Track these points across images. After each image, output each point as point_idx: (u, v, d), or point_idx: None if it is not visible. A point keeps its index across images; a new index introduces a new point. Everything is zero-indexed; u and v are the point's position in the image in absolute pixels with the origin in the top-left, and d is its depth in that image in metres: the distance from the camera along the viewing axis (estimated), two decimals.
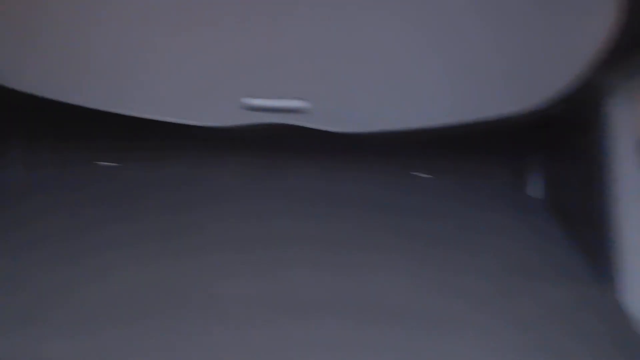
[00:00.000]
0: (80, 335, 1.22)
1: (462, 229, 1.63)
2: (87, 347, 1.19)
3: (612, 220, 1.48)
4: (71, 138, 1.86)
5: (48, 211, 1.65)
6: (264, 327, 1.26)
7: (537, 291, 1.40)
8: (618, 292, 1.43)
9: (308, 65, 1.51)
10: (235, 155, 1.87)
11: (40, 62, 1.55)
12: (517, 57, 1.52)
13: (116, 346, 1.19)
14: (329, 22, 1.48)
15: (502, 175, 1.90)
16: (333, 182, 1.84)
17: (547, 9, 1.45)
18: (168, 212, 1.67)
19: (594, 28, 1.42)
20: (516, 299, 1.37)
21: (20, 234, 1.54)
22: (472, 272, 1.45)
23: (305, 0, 1.46)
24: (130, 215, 1.63)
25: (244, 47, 1.51)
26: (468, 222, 1.67)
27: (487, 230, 1.63)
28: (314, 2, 1.46)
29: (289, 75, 1.51)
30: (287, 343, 1.22)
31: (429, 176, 1.89)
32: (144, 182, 1.82)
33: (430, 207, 1.74)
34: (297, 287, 1.38)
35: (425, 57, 1.54)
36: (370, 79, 1.53)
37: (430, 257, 1.50)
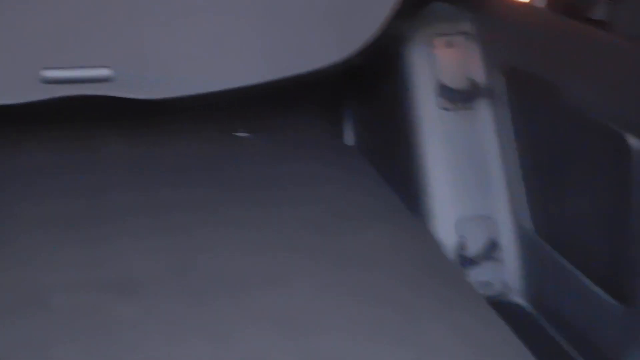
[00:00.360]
0: None
1: (282, 181, 1.67)
2: None
3: (419, 159, 1.58)
4: None
5: None
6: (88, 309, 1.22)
7: (355, 231, 1.47)
8: (428, 222, 1.54)
9: (110, 31, 1.46)
10: (44, 130, 1.77)
11: None
12: (322, 12, 1.56)
13: None
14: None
15: (318, 127, 1.96)
16: (151, 150, 1.80)
17: None
18: None
19: None
20: (336, 241, 1.43)
21: None
22: (293, 220, 1.50)
23: None
24: None
25: (40, 14, 1.42)
26: (287, 174, 1.71)
27: (305, 181, 1.69)
28: None
29: (89, 43, 1.45)
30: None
31: (249, 135, 1.90)
32: None
33: (251, 164, 1.77)
34: (123, 260, 1.35)
35: (232, 16, 1.53)
36: (177, 41, 1.52)
37: (252, 211, 1.53)
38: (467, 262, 1.53)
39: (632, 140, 1.15)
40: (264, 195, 1.61)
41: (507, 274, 1.51)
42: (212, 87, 1.55)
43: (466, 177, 1.58)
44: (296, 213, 1.55)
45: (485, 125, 1.58)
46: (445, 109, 1.62)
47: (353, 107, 1.95)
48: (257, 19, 1.58)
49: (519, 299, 1.51)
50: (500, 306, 1.41)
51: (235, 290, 1.27)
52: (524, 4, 1.57)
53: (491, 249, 1.53)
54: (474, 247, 1.54)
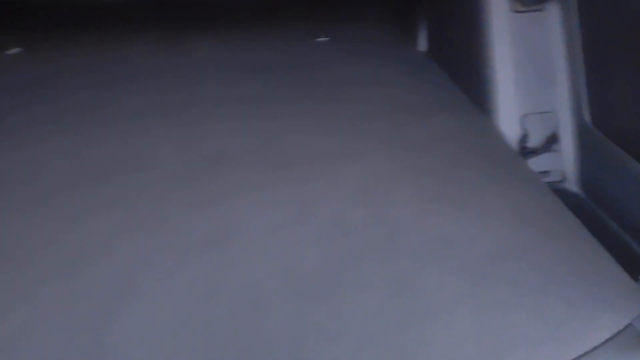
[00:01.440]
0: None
1: (356, 81, 1.81)
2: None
3: (488, 59, 1.69)
4: None
5: None
6: (193, 173, 1.41)
7: (424, 122, 1.61)
8: (494, 119, 1.66)
9: None
10: (141, 33, 1.96)
11: None
12: None
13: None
14: None
15: (393, 34, 2.08)
16: (239, 52, 1.97)
17: None
18: (85, 92, 1.74)
19: None
20: (403, 129, 1.57)
21: None
22: (364, 112, 1.65)
23: None
24: (45, 98, 1.69)
25: None
26: (362, 75, 1.85)
27: (377, 81, 1.83)
28: None
29: None
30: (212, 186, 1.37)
31: (328, 39, 2.05)
32: (56, 66, 1.86)
33: (328, 65, 1.91)
34: (218, 137, 1.54)
35: None
36: None
37: (329, 105, 1.69)
38: (528, 152, 1.65)
39: None
40: (339, 92, 1.76)
41: (565, 164, 1.62)
42: None
43: (531, 75, 1.69)
44: (367, 107, 1.70)
45: (553, 26, 1.67)
46: (516, 11, 1.71)
47: (426, 15, 2.05)
48: None
49: (575, 187, 1.62)
50: (557, 193, 1.53)
51: (314, 162, 1.44)
52: None
53: (551, 141, 1.64)
54: (535, 139, 1.66)
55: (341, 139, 1.55)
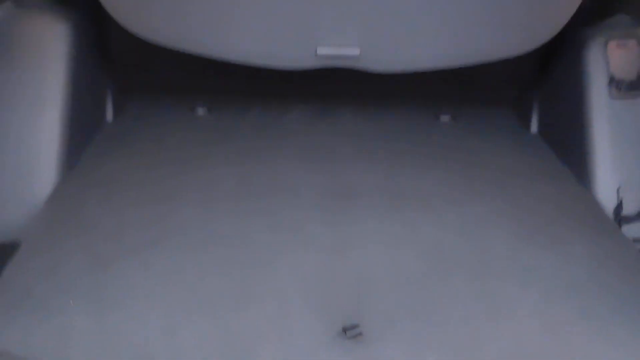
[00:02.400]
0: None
1: (469, 153, 2.12)
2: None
3: (590, 138, 1.96)
4: (172, 86, 2.39)
5: (145, 153, 2.03)
6: (328, 203, 1.78)
7: (526, 186, 1.89)
8: (592, 189, 1.91)
9: (360, 18, 1.99)
10: (300, 100, 2.39)
11: (151, 10, 1.97)
12: (517, 9, 2.02)
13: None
14: None
15: (508, 115, 2.40)
16: (375, 122, 2.35)
17: None
18: (248, 146, 2.12)
19: None
20: (507, 192, 1.88)
21: (134, 156, 2.01)
22: (475, 178, 1.95)
23: None
24: (217, 151, 2.09)
25: (315, 6, 1.97)
26: (474, 149, 2.15)
27: (489, 152, 2.12)
28: None
29: (347, 28, 1.99)
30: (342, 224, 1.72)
31: (450, 119, 2.38)
32: (230, 127, 2.25)
33: (452, 141, 2.24)
34: (349, 182, 1.90)
35: (454, 5, 2.00)
36: (407, 29, 2.02)
37: (438, 171, 1.99)
38: (622, 219, 1.87)
39: None
40: (453, 161, 2.07)
41: None
42: (430, 65, 2.05)
43: (627, 151, 1.93)
44: (478, 170, 2.00)
45: None
46: (615, 98, 1.99)
47: (538, 100, 2.35)
48: (460, 10, 2.02)
49: None
50: None
51: (427, 204, 1.77)
52: None
53: None
54: (630, 208, 1.88)
55: (451, 190, 1.86)
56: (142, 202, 1.77)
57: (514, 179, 1.97)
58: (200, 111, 2.34)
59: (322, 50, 1.99)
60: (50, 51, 1.95)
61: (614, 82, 1.99)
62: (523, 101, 2.39)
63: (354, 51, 1.99)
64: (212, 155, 2.05)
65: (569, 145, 2.11)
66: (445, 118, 2.37)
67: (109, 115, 2.27)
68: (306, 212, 1.75)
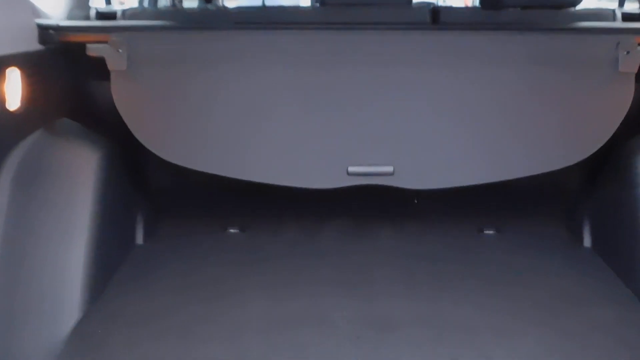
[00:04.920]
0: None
1: (522, 270, 1.99)
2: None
3: None
4: (207, 209, 2.35)
5: (174, 278, 1.98)
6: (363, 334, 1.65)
7: (581, 312, 1.74)
8: None
9: (394, 138, 1.96)
10: (335, 218, 2.31)
11: (181, 137, 2.03)
12: (565, 125, 1.94)
13: None
14: (405, 106, 1.95)
15: (558, 229, 2.25)
16: (414, 240, 2.23)
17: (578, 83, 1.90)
18: (285, 264, 2.06)
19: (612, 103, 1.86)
20: (561, 317, 1.72)
21: (166, 281, 1.97)
22: (526, 300, 1.82)
23: (393, 93, 1.97)
24: (249, 272, 2.02)
25: (347, 123, 1.97)
26: (525, 266, 2.02)
27: (540, 272, 1.98)
28: (396, 94, 1.96)
29: (381, 146, 1.96)
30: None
31: (495, 232, 2.25)
32: (263, 247, 2.21)
33: (498, 258, 2.10)
34: (392, 311, 1.77)
35: (490, 121, 1.96)
36: (440, 147, 1.96)
37: (491, 290, 1.86)
38: None
39: None
40: (500, 283, 1.93)
41: None
42: (467, 181, 1.96)
43: None
44: (528, 293, 1.85)
45: None
46: None
47: (590, 212, 2.20)
48: (509, 125, 1.98)
49: None
50: None
51: (473, 337, 1.63)
52: None
53: None
54: None
55: (499, 320, 1.71)
56: (166, 336, 1.68)
57: (568, 302, 1.81)
58: (233, 231, 2.29)
59: (354, 169, 1.93)
60: (79, 179, 1.92)
61: None
62: (573, 212, 2.26)
63: (387, 169, 1.92)
64: (243, 277, 1.98)
65: (627, 261, 1.95)
66: (489, 232, 2.24)
67: (139, 238, 2.23)
68: (340, 345, 1.62)
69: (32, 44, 1.87)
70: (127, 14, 2.28)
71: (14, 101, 1.72)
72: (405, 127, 1.95)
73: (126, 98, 1.96)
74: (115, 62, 1.92)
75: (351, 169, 1.96)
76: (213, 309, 1.79)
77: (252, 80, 1.97)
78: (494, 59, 1.94)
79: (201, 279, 1.98)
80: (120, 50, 1.92)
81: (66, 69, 2.04)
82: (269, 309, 1.79)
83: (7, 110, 1.69)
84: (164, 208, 2.37)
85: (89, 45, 1.93)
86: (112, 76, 1.95)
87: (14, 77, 1.72)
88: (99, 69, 1.94)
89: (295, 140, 1.98)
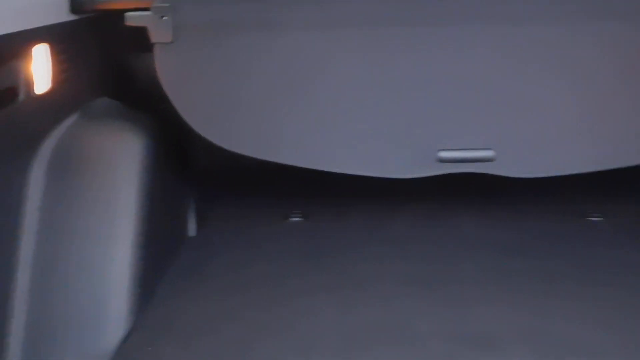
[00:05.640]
0: None
1: (625, 266, 1.68)
2: None
3: None
4: (265, 195, 2.09)
5: (230, 274, 1.76)
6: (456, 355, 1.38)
7: None
8: None
9: (494, 119, 1.65)
10: (409, 202, 2.02)
11: (238, 120, 1.74)
12: None
13: None
14: (510, 73, 1.62)
15: None
16: (506, 229, 1.93)
17: None
18: (354, 261, 1.78)
19: None
20: None
21: (222, 280, 1.73)
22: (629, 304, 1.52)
23: (489, 58, 1.62)
24: (315, 267, 1.76)
25: (433, 100, 1.66)
26: (631, 260, 1.71)
27: None
28: (499, 62, 1.62)
29: (476, 126, 1.65)
30: None
31: (600, 219, 1.94)
32: (329, 238, 1.93)
33: (599, 247, 1.80)
34: (481, 320, 1.49)
35: (597, 106, 1.64)
36: (550, 127, 1.65)
37: (590, 287, 1.58)
38: None
39: None
40: (612, 285, 1.63)
41: None
42: (574, 169, 1.65)
43: None
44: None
45: None
46: None
47: None
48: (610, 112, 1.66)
49: None
50: None
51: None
52: None
53: None
54: None
55: (616, 335, 1.42)
56: (224, 353, 1.44)
57: None
58: (295, 219, 2.04)
59: (446, 154, 1.63)
60: (122, 166, 1.67)
61: None
62: None
63: (487, 154, 1.61)
64: (308, 274, 1.72)
65: None
66: (595, 218, 1.93)
67: (192, 229, 2.00)
68: None
69: (63, 14, 1.61)
70: None
71: (43, 83, 1.48)
72: (506, 102, 1.63)
73: (173, 75, 1.68)
74: (158, 32, 1.63)
75: (443, 154, 1.65)
76: (276, 317, 1.55)
77: (321, 52, 1.66)
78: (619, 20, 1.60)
79: (261, 276, 1.73)
80: (164, 18, 1.64)
81: (103, 41, 1.78)
82: (341, 318, 1.53)
83: (35, 95, 1.45)
84: (218, 195, 2.12)
85: (127, 14, 1.65)
86: (156, 49, 1.66)
87: (43, 55, 1.47)
88: (142, 40, 1.67)
89: (373, 121, 1.67)
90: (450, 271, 1.71)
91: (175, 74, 1.67)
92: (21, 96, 1.40)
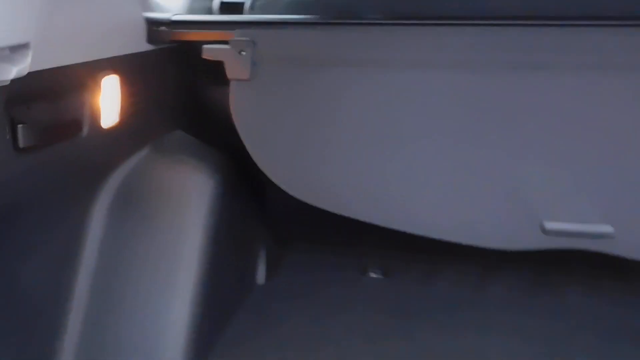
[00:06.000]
0: None
1: None
2: None
3: None
4: (342, 244, 1.92)
5: (310, 319, 1.66)
6: None
7: None
8: None
9: (611, 188, 1.42)
10: (506, 264, 1.81)
11: (316, 171, 1.58)
12: None
13: None
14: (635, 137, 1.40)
15: None
16: (614, 305, 1.69)
17: None
18: (436, 334, 1.62)
19: None
20: None
21: (289, 334, 1.61)
22: None
23: (606, 126, 1.40)
24: (393, 334, 1.61)
25: (542, 168, 1.45)
26: None
27: None
28: (615, 130, 1.40)
29: (591, 198, 1.43)
30: None
31: None
32: (411, 300, 1.78)
33: None
34: None
35: None
36: None
37: None
38: None
39: None
40: None
41: None
42: None
43: None
44: None
45: None
46: None
47: None
48: None
49: None
50: None
51: None
52: None
53: None
54: None
55: None
56: None
57: None
58: (374, 275, 1.89)
59: (554, 226, 1.42)
60: (189, 208, 1.55)
61: None
62: None
63: (604, 229, 1.39)
64: (385, 341, 1.56)
65: None
66: None
67: (261, 277, 1.87)
68: None
69: (140, 44, 1.52)
70: (256, 5, 1.84)
71: (110, 117, 1.38)
72: (628, 170, 1.40)
73: (247, 116, 1.55)
74: (235, 68, 1.51)
75: (549, 225, 1.43)
76: None
77: (423, 101, 1.47)
78: None
79: (334, 337, 1.59)
80: (243, 54, 1.52)
81: (178, 73, 1.67)
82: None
83: (102, 129, 1.35)
84: (290, 241, 1.99)
85: (205, 47, 1.54)
86: (232, 86, 1.54)
87: (112, 87, 1.37)
88: (218, 73, 1.56)
89: (471, 182, 1.47)
90: (554, 352, 1.49)
91: (249, 115, 1.54)
92: (87, 129, 1.30)
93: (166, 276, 1.48)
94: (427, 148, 1.46)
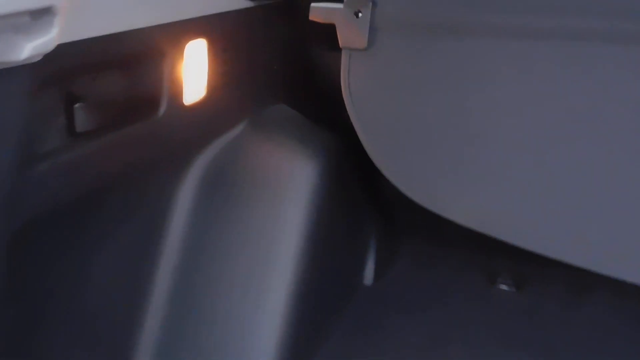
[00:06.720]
0: None
1: None
2: None
3: None
4: (468, 246, 1.66)
5: (421, 329, 1.49)
6: None
7: None
8: None
9: None
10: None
11: (440, 171, 1.35)
12: None
13: None
14: None
15: None
16: None
17: None
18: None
19: None
20: None
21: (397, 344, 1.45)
22: None
23: None
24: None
25: None
26: None
27: None
28: None
29: None
30: None
31: None
32: (548, 317, 1.55)
33: None
34: None
35: None
36: None
37: None
38: None
39: None
40: None
41: None
42: None
43: None
44: None
45: None
46: None
47: None
48: None
49: None
50: None
51: None
52: None
53: None
54: None
55: None
56: None
57: None
58: (504, 288, 1.65)
59: None
60: (289, 192, 1.36)
61: None
62: None
63: None
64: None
65: None
66: None
67: (368, 277, 1.65)
68: None
69: (236, 1, 1.26)
70: None
71: (195, 91, 1.15)
72: None
73: (361, 95, 1.25)
74: (349, 34, 1.19)
75: None
76: None
77: (591, 89, 1.10)
78: None
79: (454, 354, 1.40)
80: (360, 16, 1.21)
81: (282, 36, 1.41)
82: None
83: (184, 106, 1.13)
84: (405, 240, 1.75)
85: (313, 5, 1.24)
86: (344, 56, 1.24)
87: (198, 54, 1.14)
88: (331, 37, 1.27)
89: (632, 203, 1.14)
90: None
91: (364, 95, 1.24)
92: (165, 107, 1.09)
93: (257, 275, 1.31)
94: (596, 154, 1.12)
